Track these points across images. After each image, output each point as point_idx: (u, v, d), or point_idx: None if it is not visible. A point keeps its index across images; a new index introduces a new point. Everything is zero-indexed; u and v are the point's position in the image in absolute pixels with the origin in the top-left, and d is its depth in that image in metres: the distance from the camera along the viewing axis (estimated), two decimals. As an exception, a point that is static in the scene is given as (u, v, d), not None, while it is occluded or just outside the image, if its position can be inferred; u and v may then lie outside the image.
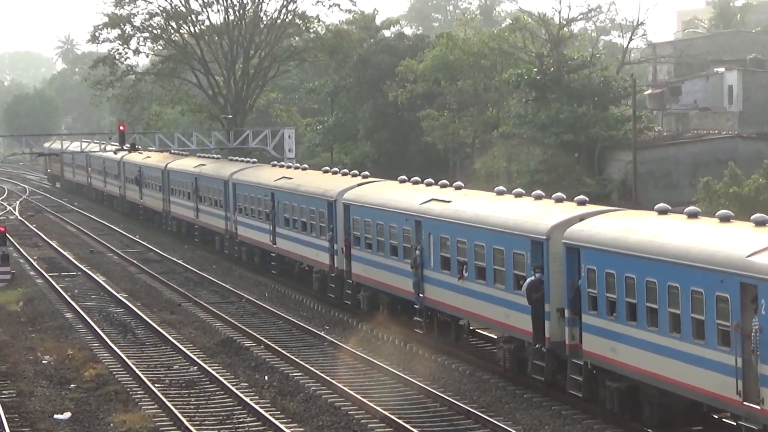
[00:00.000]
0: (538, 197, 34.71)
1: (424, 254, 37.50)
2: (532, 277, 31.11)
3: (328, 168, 52.96)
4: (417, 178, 43.35)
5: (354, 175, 47.98)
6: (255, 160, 67.09)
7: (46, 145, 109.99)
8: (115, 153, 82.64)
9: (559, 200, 33.83)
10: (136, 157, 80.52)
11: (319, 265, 47.06)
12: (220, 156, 74.36)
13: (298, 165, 57.23)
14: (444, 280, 36.54)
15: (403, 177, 44.81)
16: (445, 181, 40.87)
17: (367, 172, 48.34)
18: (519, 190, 36.48)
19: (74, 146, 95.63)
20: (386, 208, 40.58)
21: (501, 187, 37.80)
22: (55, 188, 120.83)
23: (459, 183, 40.29)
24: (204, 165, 67.27)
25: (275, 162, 61.50)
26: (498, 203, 35.54)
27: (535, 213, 33.10)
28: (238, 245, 58.84)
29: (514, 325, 32.62)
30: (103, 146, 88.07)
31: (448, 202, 37.18)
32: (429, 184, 41.25)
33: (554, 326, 30.84)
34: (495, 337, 35.73)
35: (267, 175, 56.11)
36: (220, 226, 61.51)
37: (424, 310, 38.21)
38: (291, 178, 52.08)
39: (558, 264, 30.61)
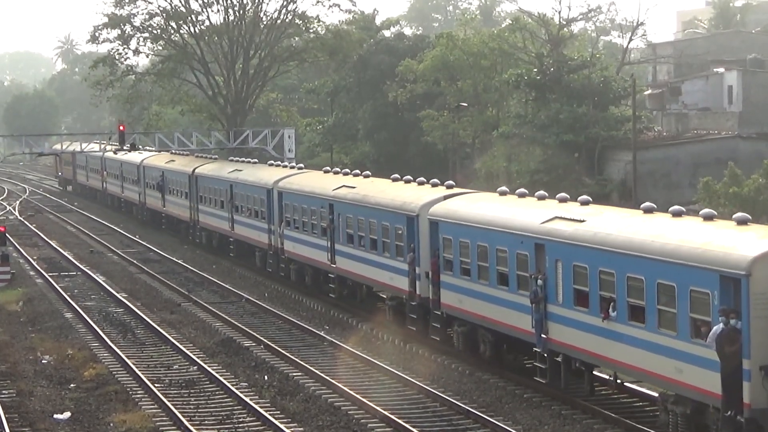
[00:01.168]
0: (708, 217, 27.59)
1: (549, 286, 30.97)
2: (722, 325, 24.38)
3: (398, 176, 44.94)
4: (523, 190, 36.40)
5: (434, 185, 40.96)
6: (302, 165, 60.08)
7: (56, 146, 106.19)
8: (114, 153, 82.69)
9: (742, 222, 26.67)
10: (158, 161, 76.92)
11: (393, 290, 40.52)
12: (257, 160, 66.07)
13: (358, 172, 48.98)
14: (578, 320, 29.85)
15: (451, 182, 40.87)
16: (564, 195, 34.09)
17: (451, 182, 41.05)
18: (677, 207, 29.06)
19: (87, 148, 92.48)
20: (491, 227, 33.88)
21: (649, 204, 30.39)
22: (67, 192, 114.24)
23: (586, 197, 33.21)
24: (240, 170, 60.12)
25: (328, 168, 54.13)
26: (655, 224, 28.51)
27: (725, 238, 25.88)
28: (284, 262, 51.91)
29: (690, 383, 25.79)
30: (103, 146, 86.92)
31: (581, 221, 30.53)
32: (541, 198, 34.61)
33: (757, 388, 24.02)
34: (655, 395, 29.08)
35: (322, 183, 48.80)
36: (261, 240, 54.75)
37: (547, 354, 31.42)
38: (354, 187, 45.09)
39: (765, 309, 23.95)
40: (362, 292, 45.27)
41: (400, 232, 39.45)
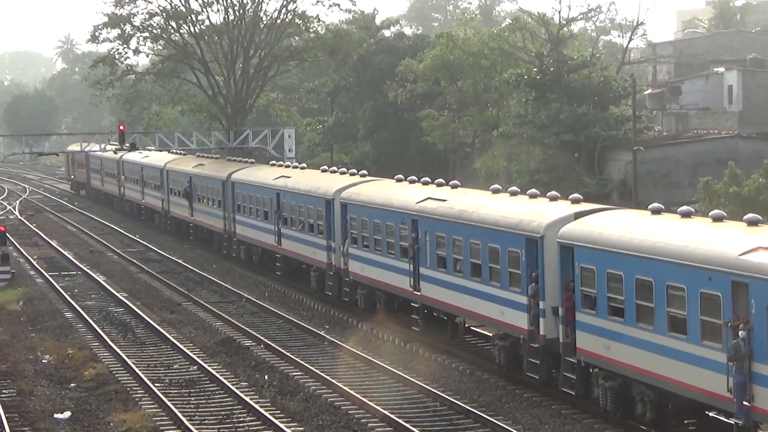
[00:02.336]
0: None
1: (757, 336, 23.63)
2: None
3: (498, 186, 38.00)
4: (658, 205, 29.64)
5: (553, 199, 34.08)
6: (364, 172, 50.91)
7: (71, 148, 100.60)
8: (114, 152, 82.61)
9: (717, 219, 26.21)
10: (184, 165, 71.40)
11: (505, 327, 33.65)
12: (301, 165, 58.66)
13: (442, 181, 41.75)
14: None
15: (578, 196, 33.74)
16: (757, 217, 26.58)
17: (578, 195, 33.72)
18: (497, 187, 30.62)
19: (102, 148, 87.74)
20: (660, 257, 26.40)
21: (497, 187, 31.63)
22: (79, 197, 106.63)
23: None
24: (288, 177, 53.09)
25: (402, 176, 45.63)
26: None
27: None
28: (349, 285, 45.04)
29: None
30: (102, 146, 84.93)
31: None
32: (718, 219, 27.00)
33: None
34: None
35: (400, 194, 41.61)
36: (318, 258, 47.72)
37: (751, 426, 24.50)
38: (444, 200, 37.92)
39: None
40: (454, 325, 38.57)
41: (515, 256, 32.56)
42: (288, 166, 58.49)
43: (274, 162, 61.99)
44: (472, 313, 35.83)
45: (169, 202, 73.39)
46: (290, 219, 50.97)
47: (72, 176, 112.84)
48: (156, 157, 78.43)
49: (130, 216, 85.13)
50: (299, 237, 49.88)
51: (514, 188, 37.07)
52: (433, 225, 37.56)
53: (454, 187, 39.72)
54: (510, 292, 32.91)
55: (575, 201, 32.82)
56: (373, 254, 42.16)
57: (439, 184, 40.86)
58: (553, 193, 34.56)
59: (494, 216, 34.15)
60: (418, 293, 38.85)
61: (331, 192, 46.24)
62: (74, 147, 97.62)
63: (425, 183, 42.15)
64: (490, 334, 36.42)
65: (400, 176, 45.23)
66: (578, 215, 31.29)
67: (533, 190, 35.67)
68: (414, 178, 44.24)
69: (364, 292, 43.75)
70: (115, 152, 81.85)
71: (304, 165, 58.53)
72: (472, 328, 39.64)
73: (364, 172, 49.44)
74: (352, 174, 49.09)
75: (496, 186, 38.05)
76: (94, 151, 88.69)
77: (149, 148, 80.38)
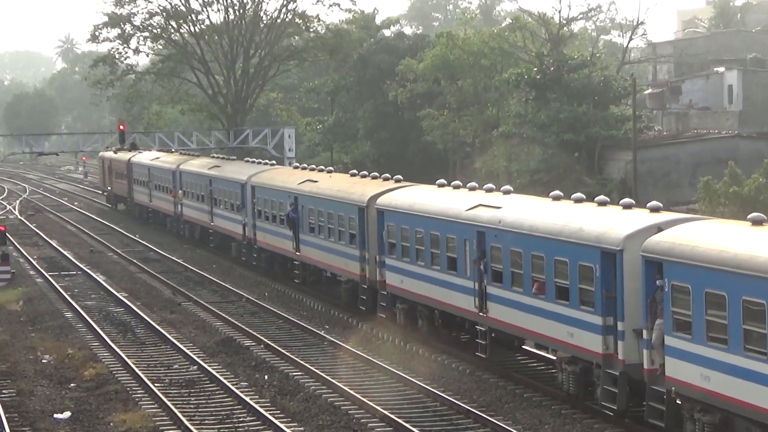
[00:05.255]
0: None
1: None
2: None
3: (605, 198, 31.57)
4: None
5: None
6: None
7: (105, 153, 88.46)
8: (115, 152, 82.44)
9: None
10: (279, 177, 53.94)
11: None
12: (328, 168, 52.77)
13: (448, 183, 39.09)
14: None
15: (658, 204, 29.14)
16: None
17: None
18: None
19: (146, 155, 78.87)
20: None
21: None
22: (117, 212, 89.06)
23: None
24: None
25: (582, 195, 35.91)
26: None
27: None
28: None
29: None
30: (111, 148, 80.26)
31: None
32: None
33: None
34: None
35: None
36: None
37: None
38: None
39: None
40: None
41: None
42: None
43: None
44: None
45: (254, 228, 55.49)
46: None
47: (108, 188, 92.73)
48: (234, 168, 61.75)
49: (190, 242, 67.56)
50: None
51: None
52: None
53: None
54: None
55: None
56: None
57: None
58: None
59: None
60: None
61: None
62: (106, 153, 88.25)
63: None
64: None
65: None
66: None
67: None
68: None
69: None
70: (115, 152, 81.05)
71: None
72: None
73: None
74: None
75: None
76: (140, 161, 78.07)
77: (155, 149, 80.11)
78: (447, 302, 36.28)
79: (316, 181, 48.64)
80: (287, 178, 52.46)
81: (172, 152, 77.48)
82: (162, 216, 75.00)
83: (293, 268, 51.04)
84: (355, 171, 50.21)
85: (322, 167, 53.61)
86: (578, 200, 32.20)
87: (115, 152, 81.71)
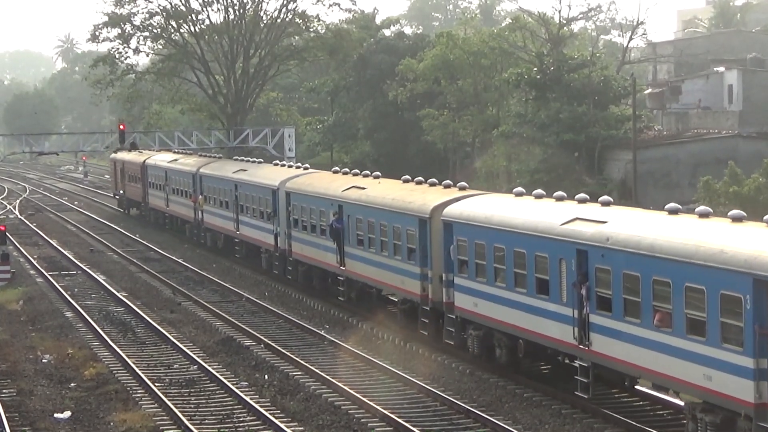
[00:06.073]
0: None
1: None
2: None
3: (676, 205, 28.34)
4: None
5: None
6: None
7: (117, 155, 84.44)
8: (115, 152, 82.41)
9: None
10: (303, 183, 50.17)
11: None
12: (375, 174, 46.97)
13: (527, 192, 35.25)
14: None
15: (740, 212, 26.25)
16: None
17: (740, 211, 26.43)
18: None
19: (163, 156, 75.21)
20: None
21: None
22: (130, 219, 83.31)
23: None
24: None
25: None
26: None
27: None
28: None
29: None
30: (112, 148, 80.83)
31: None
32: None
33: None
34: None
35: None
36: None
37: None
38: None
39: None
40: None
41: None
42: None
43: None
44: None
45: (287, 238, 51.00)
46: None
47: (121, 191, 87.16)
48: (263, 172, 57.18)
49: (213, 251, 62.99)
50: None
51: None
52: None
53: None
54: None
55: None
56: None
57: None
58: (737, 212, 26.48)
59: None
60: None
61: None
62: (117, 155, 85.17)
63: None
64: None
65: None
66: None
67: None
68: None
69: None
70: (115, 152, 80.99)
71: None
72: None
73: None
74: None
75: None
76: (157, 164, 73.47)
77: (158, 148, 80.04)
78: (535, 331, 31.46)
79: (363, 188, 43.64)
80: (329, 184, 47.33)
81: (190, 154, 75.35)
82: (180, 222, 70.68)
83: (335, 284, 46.08)
84: (408, 177, 43.82)
85: (367, 172, 47.79)
86: (703, 214, 27.02)
87: (129, 151, 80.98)
